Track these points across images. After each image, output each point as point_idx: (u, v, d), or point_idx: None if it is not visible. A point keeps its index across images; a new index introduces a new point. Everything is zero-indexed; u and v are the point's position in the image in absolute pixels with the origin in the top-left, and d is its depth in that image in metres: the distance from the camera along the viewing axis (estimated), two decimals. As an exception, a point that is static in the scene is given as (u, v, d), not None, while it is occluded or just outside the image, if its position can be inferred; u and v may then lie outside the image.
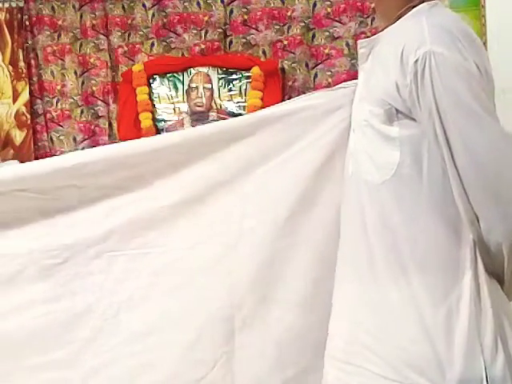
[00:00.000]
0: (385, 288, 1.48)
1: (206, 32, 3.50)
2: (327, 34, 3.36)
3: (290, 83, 3.40)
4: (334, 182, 1.74)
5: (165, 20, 3.54)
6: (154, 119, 3.53)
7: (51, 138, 3.69)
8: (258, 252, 1.79)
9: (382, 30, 1.55)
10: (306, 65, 3.41)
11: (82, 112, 3.67)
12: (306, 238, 1.78)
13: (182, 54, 3.56)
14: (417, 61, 1.38)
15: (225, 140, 1.81)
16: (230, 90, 3.47)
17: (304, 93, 3.03)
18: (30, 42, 3.66)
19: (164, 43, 3.56)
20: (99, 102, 3.64)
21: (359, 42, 1.59)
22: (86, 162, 1.79)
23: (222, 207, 1.81)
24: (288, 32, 3.41)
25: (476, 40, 1.45)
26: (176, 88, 3.53)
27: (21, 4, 3.63)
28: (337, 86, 1.80)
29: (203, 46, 3.51)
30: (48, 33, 3.65)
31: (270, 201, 1.79)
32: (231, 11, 3.47)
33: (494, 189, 1.38)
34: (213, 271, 1.80)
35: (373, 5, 3.28)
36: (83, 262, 1.79)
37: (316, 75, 3.40)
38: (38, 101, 3.69)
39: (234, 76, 3.46)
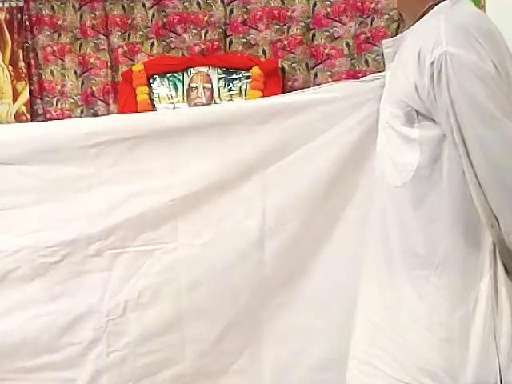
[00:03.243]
0: (402, 289, 1.47)
1: (206, 32, 3.50)
2: (327, 34, 3.36)
3: (289, 83, 3.39)
4: (358, 181, 1.70)
5: (165, 20, 3.54)
6: (154, 119, 3.52)
7: (51, 138, 3.68)
8: (284, 248, 1.74)
9: (407, 28, 1.53)
10: (306, 65, 3.40)
11: (81, 112, 3.66)
12: (329, 235, 1.74)
13: (182, 54, 3.55)
14: (433, 62, 1.36)
15: (242, 127, 1.72)
16: (230, 90, 3.46)
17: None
18: (29, 42, 3.65)
19: (164, 43, 3.56)
20: (99, 102, 3.64)
21: (384, 41, 1.57)
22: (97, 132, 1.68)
23: (240, 201, 1.73)
24: (288, 32, 3.40)
25: (496, 38, 1.41)
26: (176, 88, 3.52)
27: (21, 4, 3.62)
28: (368, 78, 1.72)
29: (203, 46, 3.51)
30: (48, 33, 3.64)
31: (292, 197, 1.73)
32: (231, 11, 3.47)
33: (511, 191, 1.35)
34: (238, 267, 1.74)
35: (376, 3, 3.29)
36: (81, 260, 1.72)
37: (316, 75, 3.39)
38: (38, 101, 3.68)
39: (234, 76, 3.45)
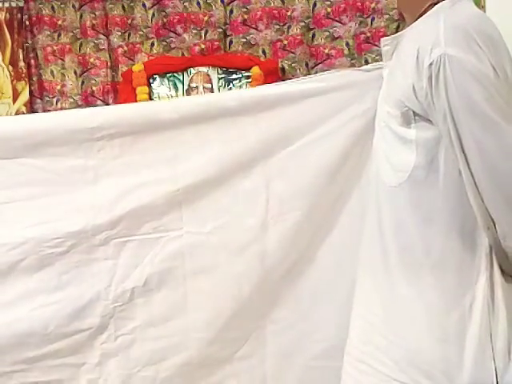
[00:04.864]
0: (398, 289, 1.47)
1: (206, 32, 3.50)
2: (327, 33, 3.36)
3: (289, 83, 3.39)
4: (360, 172, 1.69)
5: (165, 20, 3.54)
6: (154, 119, 3.52)
7: (51, 138, 3.67)
8: (287, 237, 1.75)
9: (407, 26, 1.51)
10: (306, 65, 3.40)
11: (81, 112, 3.66)
12: (332, 225, 1.74)
13: (182, 54, 3.55)
14: (431, 64, 1.34)
15: (244, 117, 1.71)
16: (230, 90, 3.46)
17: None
18: (29, 42, 3.65)
19: (164, 43, 3.56)
20: (99, 102, 3.64)
21: (382, 39, 1.56)
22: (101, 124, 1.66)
23: (244, 190, 1.73)
24: (288, 32, 3.41)
25: (496, 40, 1.39)
26: (176, 88, 3.52)
27: (21, 4, 3.62)
28: (369, 67, 1.70)
29: (203, 46, 3.51)
30: (48, 33, 3.64)
31: (295, 186, 1.72)
32: (231, 11, 3.47)
33: (509, 195, 1.34)
34: (242, 256, 1.75)
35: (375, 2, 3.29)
36: (88, 249, 1.73)
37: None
38: (38, 101, 3.68)
39: (234, 76, 3.45)
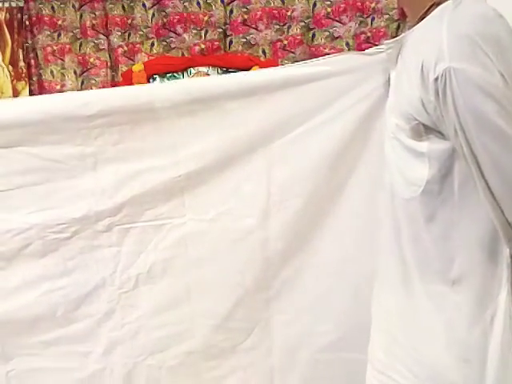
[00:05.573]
0: (419, 303, 1.43)
1: (206, 32, 3.50)
2: (327, 33, 3.36)
3: (289, 83, 3.40)
4: (365, 156, 1.66)
5: (165, 20, 3.54)
6: (154, 119, 3.52)
7: (51, 138, 3.68)
8: (288, 224, 1.73)
9: (409, 27, 1.47)
10: (306, 64, 3.41)
11: (81, 112, 3.66)
12: (334, 211, 1.72)
13: (182, 54, 3.56)
14: (437, 78, 1.27)
15: (245, 102, 1.68)
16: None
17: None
18: (29, 42, 3.66)
19: (164, 43, 3.56)
20: (99, 102, 3.64)
21: (385, 42, 1.52)
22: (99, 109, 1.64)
23: (246, 176, 1.72)
24: (288, 32, 3.41)
25: (504, 40, 1.30)
26: (176, 88, 3.52)
27: (21, 4, 3.62)
28: (371, 50, 1.63)
29: (203, 46, 3.52)
30: (48, 32, 3.65)
31: (297, 172, 1.70)
32: (231, 11, 3.48)
33: None
34: (244, 243, 1.74)
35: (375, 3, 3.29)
36: (92, 235, 1.73)
37: (316, 75, 3.39)
38: (38, 101, 3.69)
39: (234, 76, 3.46)
